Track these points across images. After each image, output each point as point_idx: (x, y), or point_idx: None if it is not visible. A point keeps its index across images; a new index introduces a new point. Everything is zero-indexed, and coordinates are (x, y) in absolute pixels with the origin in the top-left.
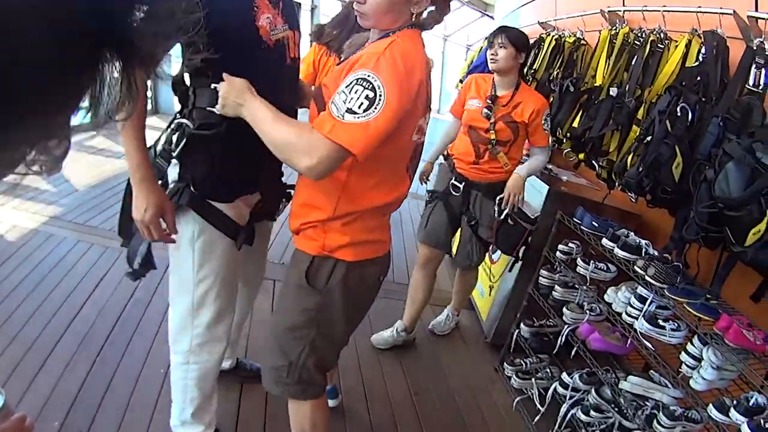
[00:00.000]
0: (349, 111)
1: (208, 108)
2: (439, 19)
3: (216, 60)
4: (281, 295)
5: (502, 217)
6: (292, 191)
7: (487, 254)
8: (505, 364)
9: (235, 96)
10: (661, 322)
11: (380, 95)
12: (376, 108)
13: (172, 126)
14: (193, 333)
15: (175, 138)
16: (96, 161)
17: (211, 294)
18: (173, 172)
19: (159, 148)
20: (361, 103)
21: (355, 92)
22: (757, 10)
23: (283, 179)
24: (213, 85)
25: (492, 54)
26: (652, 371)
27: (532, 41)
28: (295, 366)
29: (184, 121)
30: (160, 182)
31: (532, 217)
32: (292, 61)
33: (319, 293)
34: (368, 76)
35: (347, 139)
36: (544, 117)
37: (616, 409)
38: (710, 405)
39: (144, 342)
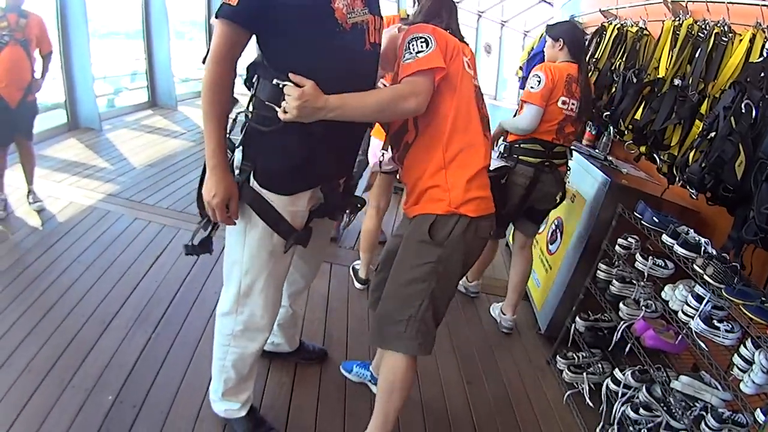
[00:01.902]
0: (419, 52)
1: (267, 102)
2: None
3: (292, 41)
4: (400, 259)
5: None
6: (360, 204)
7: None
8: (557, 357)
9: (313, 102)
10: (716, 323)
11: (429, 38)
12: (431, 43)
13: (236, 115)
14: (237, 319)
15: (237, 127)
16: (152, 140)
17: (257, 286)
18: (238, 156)
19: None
20: (422, 45)
21: (413, 45)
22: None
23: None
24: (275, 81)
25: None
26: (702, 372)
27: (593, 29)
28: (414, 319)
29: (244, 110)
30: None
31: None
32: (372, 46)
33: (440, 246)
34: (413, 35)
35: (429, 63)
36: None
37: (665, 408)
38: (758, 409)
39: (200, 318)
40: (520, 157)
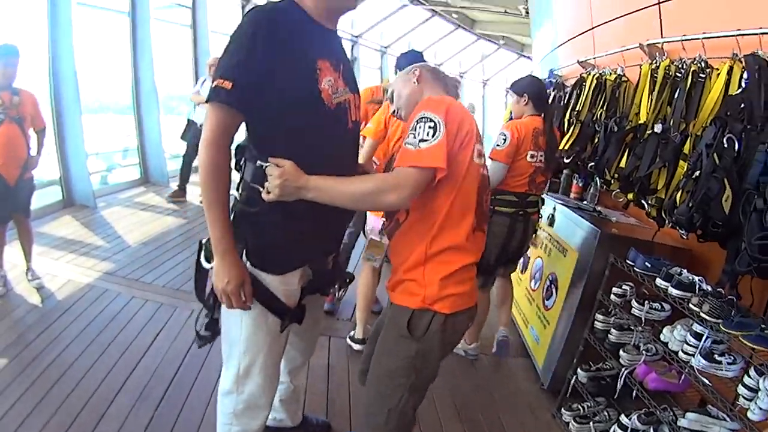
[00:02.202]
0: (422, 140)
1: (251, 184)
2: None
3: (281, 121)
4: (380, 347)
5: None
6: (349, 279)
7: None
8: (562, 410)
9: (293, 181)
10: (717, 357)
11: (439, 122)
12: (439, 131)
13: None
14: (238, 399)
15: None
16: (146, 217)
17: (256, 365)
18: None
19: None
20: (428, 132)
21: (420, 128)
22: None
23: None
24: (259, 163)
25: None
26: (709, 406)
27: (572, 81)
28: (394, 411)
29: (234, 193)
30: None
31: None
32: (353, 125)
33: (418, 341)
34: (424, 114)
35: (431, 160)
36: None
37: None
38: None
39: (203, 394)
40: (496, 208)
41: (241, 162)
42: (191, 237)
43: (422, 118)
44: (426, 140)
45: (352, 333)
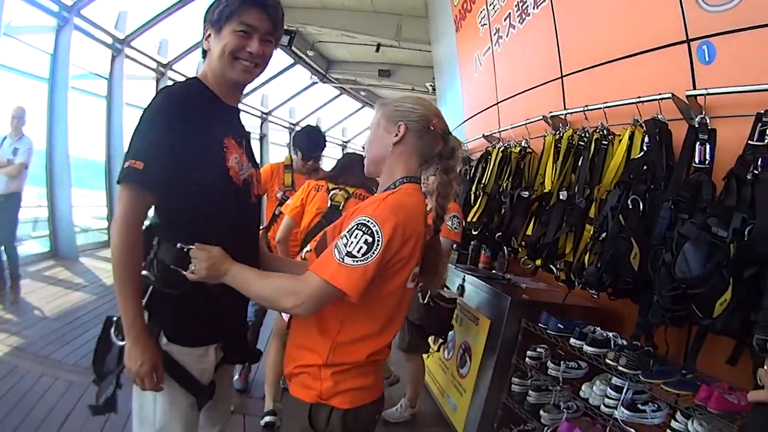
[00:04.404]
0: (349, 254)
1: (172, 266)
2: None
3: (190, 203)
4: None
5: (425, 301)
6: (258, 355)
7: (433, 346)
8: None
9: (219, 265)
10: (640, 406)
11: (378, 240)
12: (374, 253)
13: None
14: None
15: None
16: (56, 292)
17: None
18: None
19: None
20: (360, 248)
21: (355, 237)
22: (694, 87)
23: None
24: (180, 245)
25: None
26: None
27: (479, 155)
28: None
29: (146, 273)
30: None
31: (451, 298)
32: (256, 199)
33: None
34: (368, 221)
35: (345, 282)
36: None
37: None
38: None
39: None
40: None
41: (153, 242)
42: (102, 313)
43: (363, 224)
44: (354, 257)
45: (267, 419)
